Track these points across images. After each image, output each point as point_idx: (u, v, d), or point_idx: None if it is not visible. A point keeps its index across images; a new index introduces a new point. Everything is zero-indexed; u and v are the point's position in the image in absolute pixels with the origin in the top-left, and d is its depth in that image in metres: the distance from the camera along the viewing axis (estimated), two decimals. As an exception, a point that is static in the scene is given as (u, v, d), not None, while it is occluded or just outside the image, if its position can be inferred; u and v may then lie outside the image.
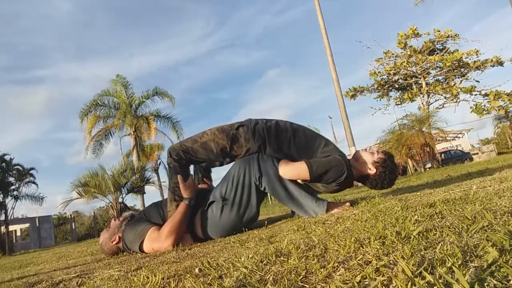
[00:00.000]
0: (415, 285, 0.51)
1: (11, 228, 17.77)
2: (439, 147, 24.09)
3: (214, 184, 2.08)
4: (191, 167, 1.98)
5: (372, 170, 1.83)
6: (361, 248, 0.78)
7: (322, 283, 0.62)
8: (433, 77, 22.21)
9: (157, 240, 1.73)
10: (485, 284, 0.48)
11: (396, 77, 22.58)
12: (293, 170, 1.74)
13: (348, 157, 1.85)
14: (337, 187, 1.79)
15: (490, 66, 21.16)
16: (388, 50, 22.18)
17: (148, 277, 0.95)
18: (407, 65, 21.61)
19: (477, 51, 20.76)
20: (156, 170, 24.47)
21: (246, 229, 1.77)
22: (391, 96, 23.96)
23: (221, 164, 1.95)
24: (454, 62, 20.87)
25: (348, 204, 1.74)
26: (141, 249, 1.79)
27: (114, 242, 1.92)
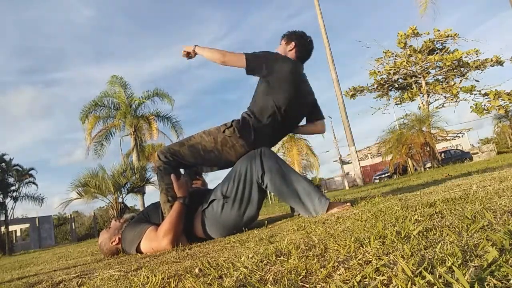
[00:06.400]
0: (415, 285, 0.51)
1: (11, 228, 17.76)
2: (439, 146, 24.10)
3: (215, 183, 2.08)
4: (181, 171, 1.99)
5: (292, 45, 2.01)
6: (361, 247, 0.78)
7: (322, 282, 0.62)
8: (433, 77, 22.22)
9: (154, 239, 1.74)
10: (485, 283, 0.48)
11: (396, 77, 22.58)
12: (229, 54, 1.89)
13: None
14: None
15: (490, 65, 21.16)
16: (388, 50, 22.18)
17: (148, 277, 0.95)
18: (407, 65, 21.61)
19: (477, 50, 20.76)
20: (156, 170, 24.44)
21: (246, 229, 1.77)
22: (391, 96, 23.97)
23: (210, 170, 1.97)
24: (454, 62, 20.87)
25: (348, 204, 1.74)
26: (138, 250, 1.79)
27: (114, 243, 1.92)
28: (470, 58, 21.16)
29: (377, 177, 21.92)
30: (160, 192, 1.88)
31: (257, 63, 1.87)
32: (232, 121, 1.90)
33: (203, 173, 2.19)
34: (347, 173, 28.97)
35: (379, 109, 23.90)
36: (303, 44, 2.04)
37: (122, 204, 10.68)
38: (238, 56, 1.87)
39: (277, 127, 1.94)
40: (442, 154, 18.87)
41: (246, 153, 1.86)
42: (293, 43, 2.01)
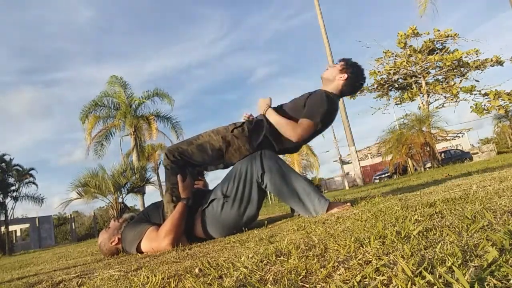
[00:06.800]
0: (415, 285, 0.51)
1: (11, 228, 17.77)
2: (439, 146, 24.10)
3: (215, 183, 2.08)
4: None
5: (344, 77, 1.93)
6: (361, 247, 0.78)
7: (322, 282, 0.62)
8: (433, 77, 22.21)
9: (155, 239, 1.73)
10: (485, 283, 0.48)
11: (396, 77, 22.57)
12: (301, 130, 1.81)
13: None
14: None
15: (490, 65, 21.15)
16: (388, 50, 22.18)
17: (148, 277, 0.95)
18: (407, 65, 21.60)
19: (477, 50, 20.76)
20: (156, 170, 24.49)
21: (246, 229, 1.77)
22: (391, 96, 23.96)
23: (216, 168, 1.96)
24: (454, 62, 20.85)
25: (348, 204, 1.74)
26: (139, 249, 1.79)
27: (113, 243, 1.92)
28: (470, 58, 21.15)
29: (377, 177, 21.93)
30: (165, 191, 1.87)
31: (322, 124, 1.86)
32: (244, 122, 1.91)
33: (207, 171, 2.18)
34: (347, 173, 28.96)
35: (379, 109, 23.90)
36: (353, 82, 1.97)
37: (122, 204, 10.69)
38: (307, 129, 1.83)
39: (286, 148, 1.96)
40: (442, 154, 18.88)
41: None
42: (346, 75, 1.94)
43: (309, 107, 1.86)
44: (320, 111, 1.82)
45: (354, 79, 1.97)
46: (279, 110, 1.95)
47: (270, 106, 1.95)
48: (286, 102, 2.02)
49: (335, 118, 2.01)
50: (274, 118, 1.89)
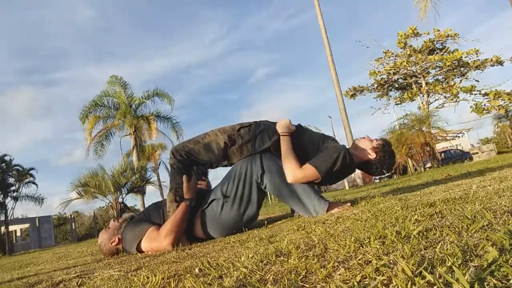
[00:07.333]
0: (415, 285, 0.51)
1: (11, 228, 17.77)
2: (439, 146, 24.10)
3: (215, 183, 2.08)
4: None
5: (372, 155, 1.87)
6: (361, 247, 0.78)
7: (322, 282, 0.62)
8: (433, 77, 22.23)
9: (156, 239, 1.73)
10: (485, 283, 0.48)
11: (396, 77, 22.60)
12: (301, 176, 1.71)
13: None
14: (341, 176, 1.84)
15: (490, 65, 21.19)
16: (388, 50, 22.19)
17: (148, 277, 0.95)
18: (407, 65, 21.62)
19: (477, 50, 20.78)
20: (156, 170, 24.48)
21: (246, 229, 1.77)
22: (391, 96, 24.01)
23: (218, 166, 1.95)
24: (454, 62, 20.89)
25: (348, 204, 1.74)
26: (139, 249, 1.79)
27: (113, 244, 1.92)
28: (470, 58, 21.18)
29: (377, 177, 21.93)
30: (169, 190, 1.87)
31: (327, 175, 1.76)
32: (251, 123, 1.90)
33: (211, 169, 2.17)
34: (347, 173, 28.91)
35: (379, 109, 23.93)
36: (376, 165, 1.89)
37: (122, 204, 10.67)
38: (307, 177, 1.72)
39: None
40: (442, 154, 18.90)
41: None
42: (375, 155, 1.86)
43: (321, 156, 1.76)
44: (328, 166, 1.72)
45: (379, 163, 1.88)
46: (298, 134, 1.87)
47: (291, 132, 1.85)
48: (308, 129, 1.96)
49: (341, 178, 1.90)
50: (284, 149, 1.79)
